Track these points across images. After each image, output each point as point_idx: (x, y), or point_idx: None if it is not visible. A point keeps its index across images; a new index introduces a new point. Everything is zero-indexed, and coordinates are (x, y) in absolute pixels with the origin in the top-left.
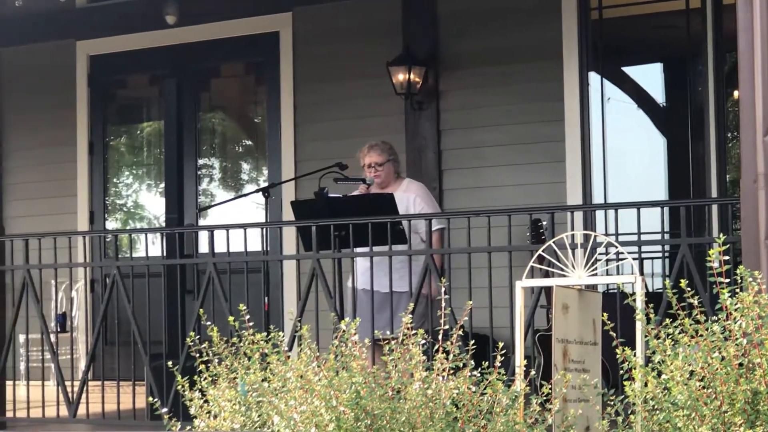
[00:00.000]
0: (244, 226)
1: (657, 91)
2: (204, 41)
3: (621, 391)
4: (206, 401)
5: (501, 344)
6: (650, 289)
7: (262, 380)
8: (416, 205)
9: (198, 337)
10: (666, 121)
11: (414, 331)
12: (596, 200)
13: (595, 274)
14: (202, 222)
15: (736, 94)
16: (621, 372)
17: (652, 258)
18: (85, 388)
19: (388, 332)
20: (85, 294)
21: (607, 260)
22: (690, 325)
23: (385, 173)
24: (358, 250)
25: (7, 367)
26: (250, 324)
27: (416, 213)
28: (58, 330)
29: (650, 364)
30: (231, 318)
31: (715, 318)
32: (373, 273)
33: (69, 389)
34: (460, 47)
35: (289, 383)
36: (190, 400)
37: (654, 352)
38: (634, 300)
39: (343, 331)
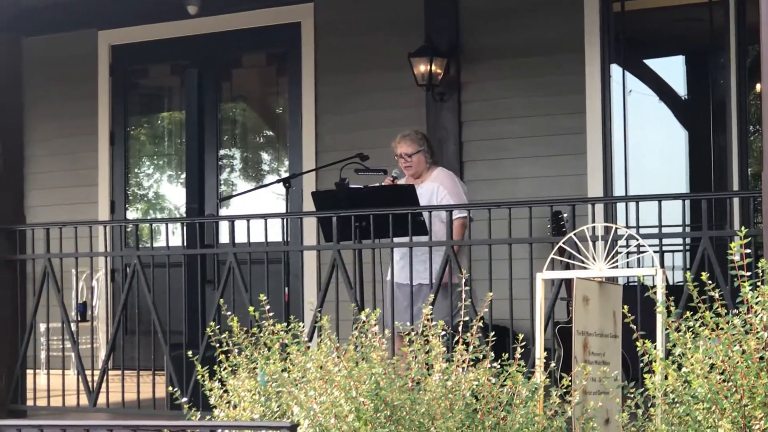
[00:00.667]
0: (264, 216)
1: (679, 84)
2: (225, 32)
3: (641, 384)
4: (226, 391)
5: (521, 336)
6: (671, 282)
7: (282, 370)
8: (439, 193)
9: (218, 327)
10: (687, 114)
11: (434, 323)
12: (617, 193)
13: (616, 267)
14: (222, 212)
15: (758, 87)
16: (641, 365)
17: (673, 251)
18: (105, 377)
19: (408, 324)
20: (106, 283)
21: (628, 253)
22: (711, 318)
23: (415, 163)
24: (379, 241)
25: (28, 356)
26: (270, 314)
27: (438, 203)
28: (79, 319)
29: (670, 357)
30: (251, 308)
31: (736, 311)
32: (400, 267)
33: (89, 378)
34: (482, 39)
35: (309, 374)
36: (210, 389)
37: (674, 345)
38: (655, 293)
39: (364, 321)
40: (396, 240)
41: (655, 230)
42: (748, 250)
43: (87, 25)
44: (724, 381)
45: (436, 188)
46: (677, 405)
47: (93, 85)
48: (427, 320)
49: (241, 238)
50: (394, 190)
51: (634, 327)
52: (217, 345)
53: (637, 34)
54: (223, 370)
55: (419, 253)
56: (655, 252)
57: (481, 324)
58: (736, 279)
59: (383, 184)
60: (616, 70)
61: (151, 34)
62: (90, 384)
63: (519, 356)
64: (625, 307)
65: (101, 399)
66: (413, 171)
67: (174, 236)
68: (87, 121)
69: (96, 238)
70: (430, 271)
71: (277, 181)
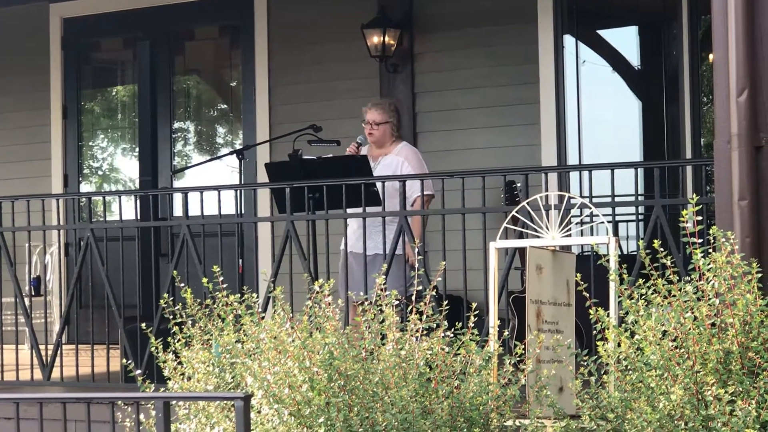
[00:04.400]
0: (218, 188)
1: (632, 55)
2: (178, 3)
3: (594, 352)
4: (180, 363)
5: (474, 305)
6: (625, 252)
7: (236, 342)
8: (403, 168)
9: (172, 299)
10: (641, 84)
11: (387, 293)
12: (571, 163)
13: (569, 236)
14: (177, 185)
15: (710, 57)
16: (594, 333)
17: (627, 221)
18: (59, 351)
19: (361, 293)
20: (59, 258)
21: (582, 221)
22: (663, 285)
23: (380, 133)
24: (333, 212)
25: None
26: (224, 286)
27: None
28: (33, 294)
29: (623, 325)
30: (205, 279)
31: (688, 278)
32: (359, 236)
33: (43, 352)
34: (436, 9)
35: (263, 344)
36: (164, 362)
37: (627, 313)
38: (608, 261)
39: (317, 292)
40: (350, 211)
41: (609, 199)
42: (700, 218)
43: None
44: (676, 348)
45: (400, 163)
46: (630, 372)
47: (45, 58)
48: (381, 290)
49: (195, 210)
50: (346, 160)
51: (587, 295)
52: (171, 317)
53: (590, 5)
54: (177, 342)
55: (376, 223)
56: (608, 222)
57: (434, 294)
58: (688, 246)
59: (348, 150)
60: (569, 40)
61: (104, 7)
62: (44, 358)
63: (473, 325)
64: (578, 275)
65: (55, 373)
66: (375, 139)
67: (128, 209)
68: (39, 95)
69: (49, 212)
70: (383, 241)
71: (231, 153)
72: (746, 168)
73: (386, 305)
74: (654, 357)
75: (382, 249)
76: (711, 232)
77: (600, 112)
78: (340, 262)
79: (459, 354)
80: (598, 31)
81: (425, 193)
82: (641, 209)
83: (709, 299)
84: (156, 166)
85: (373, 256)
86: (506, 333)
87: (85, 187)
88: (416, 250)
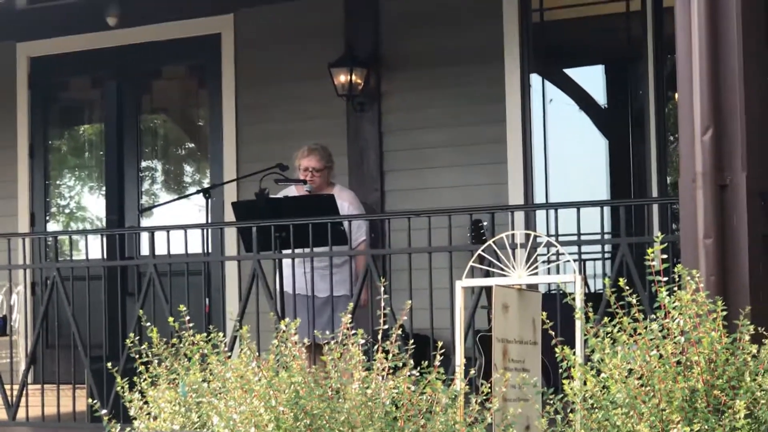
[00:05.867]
0: (184, 227)
1: (599, 93)
2: (145, 43)
3: (561, 390)
4: (146, 402)
5: (440, 343)
6: (592, 290)
7: (202, 381)
8: (349, 212)
9: (138, 338)
10: (607, 123)
11: (354, 331)
12: (538, 201)
13: (536, 274)
14: (144, 224)
15: (676, 96)
16: (561, 371)
17: (594, 259)
18: (24, 391)
19: (327, 333)
20: (25, 297)
21: (548, 260)
22: (629, 323)
23: (320, 179)
24: (300, 251)
25: None
26: (191, 325)
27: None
28: None
29: (589, 363)
30: (171, 319)
31: (653, 317)
32: (310, 278)
33: (8, 392)
34: (402, 48)
35: (229, 383)
36: (130, 401)
37: (593, 351)
38: (574, 299)
39: (283, 331)
40: (316, 250)
41: (575, 238)
42: (666, 256)
43: (5, 37)
44: (642, 386)
45: (346, 207)
46: (596, 410)
47: (11, 97)
48: (347, 329)
49: (162, 249)
50: (314, 199)
51: (553, 333)
52: (137, 356)
53: (557, 44)
54: (143, 381)
55: (327, 264)
56: (574, 260)
57: (401, 333)
58: (654, 285)
59: (296, 194)
60: (536, 79)
61: (71, 46)
62: (9, 398)
63: (439, 364)
64: (544, 313)
65: (21, 413)
66: (317, 186)
67: (95, 248)
68: (6, 134)
69: (15, 251)
70: (351, 282)
71: (197, 192)
72: (711, 206)
73: (352, 344)
74: (620, 395)
75: (344, 290)
76: (676, 270)
77: (567, 150)
78: (290, 304)
79: (425, 393)
80: (564, 70)
81: (364, 238)
82: (607, 247)
83: (675, 337)
84: (123, 205)
85: (325, 299)
86: (473, 372)
87: (52, 226)
88: (382, 289)
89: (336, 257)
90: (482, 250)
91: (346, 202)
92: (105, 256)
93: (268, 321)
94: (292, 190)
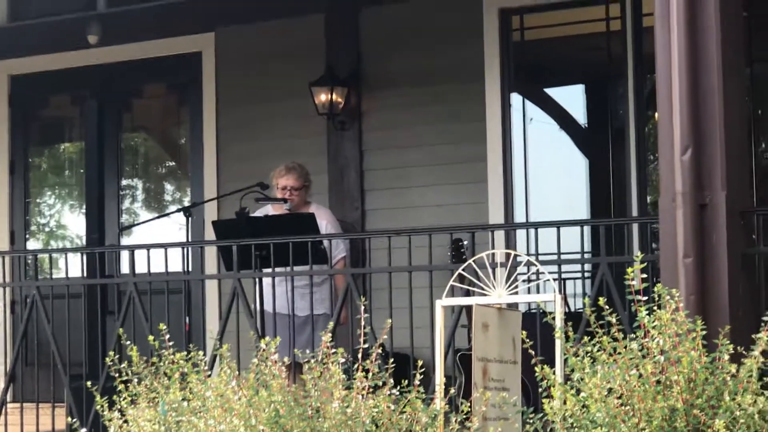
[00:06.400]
0: (165, 246)
1: (579, 113)
2: (126, 61)
3: (540, 410)
4: (126, 421)
5: (420, 362)
6: (572, 309)
7: (182, 400)
8: (327, 230)
9: (118, 357)
10: (588, 142)
11: (334, 350)
12: (518, 220)
13: (516, 293)
14: (124, 242)
15: (656, 116)
16: (541, 390)
17: (575, 279)
18: (3, 410)
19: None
20: (5, 315)
21: (528, 279)
22: (608, 342)
23: (299, 198)
24: (280, 270)
25: None
26: (171, 344)
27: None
28: None
29: (569, 382)
30: (151, 337)
31: (633, 336)
32: (290, 296)
33: None
34: (383, 67)
35: (209, 402)
36: (110, 420)
37: (573, 370)
38: (554, 318)
39: (263, 350)
40: (297, 269)
41: (555, 257)
42: (645, 275)
43: None
44: (621, 405)
45: (324, 225)
46: (576, 429)
47: None
48: (327, 347)
49: (142, 268)
50: (295, 218)
51: (533, 353)
52: (117, 375)
53: (537, 63)
54: (123, 400)
55: (307, 283)
56: (555, 279)
57: (381, 351)
58: (633, 304)
59: (275, 213)
60: (516, 98)
61: (52, 64)
62: None
63: (419, 383)
64: (524, 332)
65: None
66: (295, 204)
67: (75, 267)
68: None
69: None
70: (331, 300)
71: (178, 210)
72: (691, 226)
73: (332, 363)
74: (599, 414)
75: (324, 309)
76: (656, 289)
77: (547, 169)
78: (270, 323)
79: (405, 412)
80: (545, 89)
81: (343, 255)
82: (587, 266)
83: (654, 356)
84: (103, 223)
85: (305, 317)
86: (453, 391)
87: (32, 244)
88: (362, 307)
89: (316, 276)
90: (462, 269)
91: (324, 220)
92: (85, 275)
93: (248, 340)
94: (269, 209)
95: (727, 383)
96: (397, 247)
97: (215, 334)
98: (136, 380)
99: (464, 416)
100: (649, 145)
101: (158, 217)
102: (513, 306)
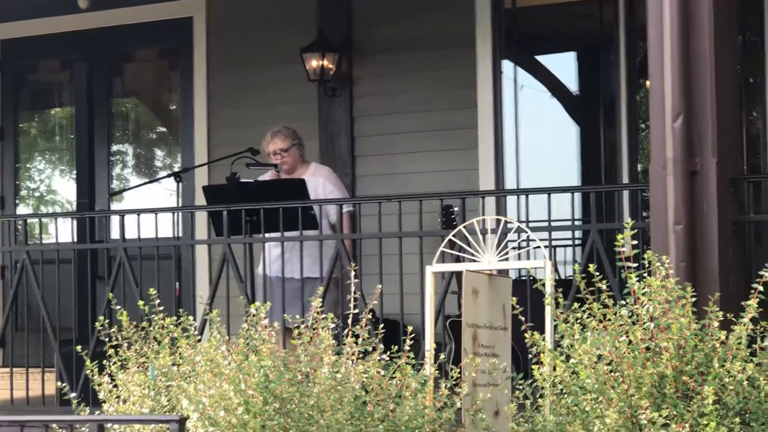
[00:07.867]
0: (155, 211)
1: (570, 80)
2: (117, 26)
3: (530, 376)
4: (116, 386)
5: (410, 328)
6: (562, 277)
7: (172, 364)
8: (325, 188)
9: (108, 322)
10: (579, 109)
11: (324, 316)
12: (509, 187)
13: (506, 260)
14: (114, 207)
15: (647, 83)
16: (530, 356)
17: (565, 246)
18: None
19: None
20: None
21: (518, 246)
22: (598, 309)
23: (291, 158)
24: (270, 235)
25: None
26: (161, 309)
27: (326, 197)
28: None
29: (559, 349)
30: (141, 302)
31: (623, 303)
32: (285, 260)
33: None
34: (374, 34)
35: (199, 367)
36: (99, 384)
37: (563, 337)
38: (544, 285)
39: (253, 315)
40: (287, 234)
41: (545, 224)
42: (636, 242)
43: None
44: (611, 371)
45: (321, 183)
46: (565, 396)
47: None
48: (317, 313)
49: (132, 233)
50: (284, 183)
51: (523, 319)
52: (107, 340)
53: (529, 31)
54: (113, 364)
55: (306, 246)
56: (545, 246)
57: (371, 317)
58: (623, 271)
59: (269, 178)
60: (508, 65)
61: (42, 29)
62: None
63: (409, 349)
64: (514, 299)
65: None
66: (289, 166)
67: (65, 232)
68: None
69: None
70: (321, 265)
71: (168, 176)
72: (681, 193)
73: (322, 328)
74: (589, 381)
75: (318, 272)
76: (646, 256)
77: (538, 136)
78: (260, 286)
79: (395, 377)
80: (536, 57)
81: (347, 210)
82: (578, 233)
83: (644, 323)
84: (93, 189)
85: (306, 280)
86: (442, 357)
87: (22, 209)
88: (352, 273)
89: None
90: (453, 236)
91: (321, 177)
92: (75, 240)
93: (238, 305)
94: (268, 176)
95: (716, 350)
96: (388, 213)
97: (205, 299)
98: (126, 345)
99: (454, 382)
100: (641, 113)
101: (149, 182)
102: (503, 272)
